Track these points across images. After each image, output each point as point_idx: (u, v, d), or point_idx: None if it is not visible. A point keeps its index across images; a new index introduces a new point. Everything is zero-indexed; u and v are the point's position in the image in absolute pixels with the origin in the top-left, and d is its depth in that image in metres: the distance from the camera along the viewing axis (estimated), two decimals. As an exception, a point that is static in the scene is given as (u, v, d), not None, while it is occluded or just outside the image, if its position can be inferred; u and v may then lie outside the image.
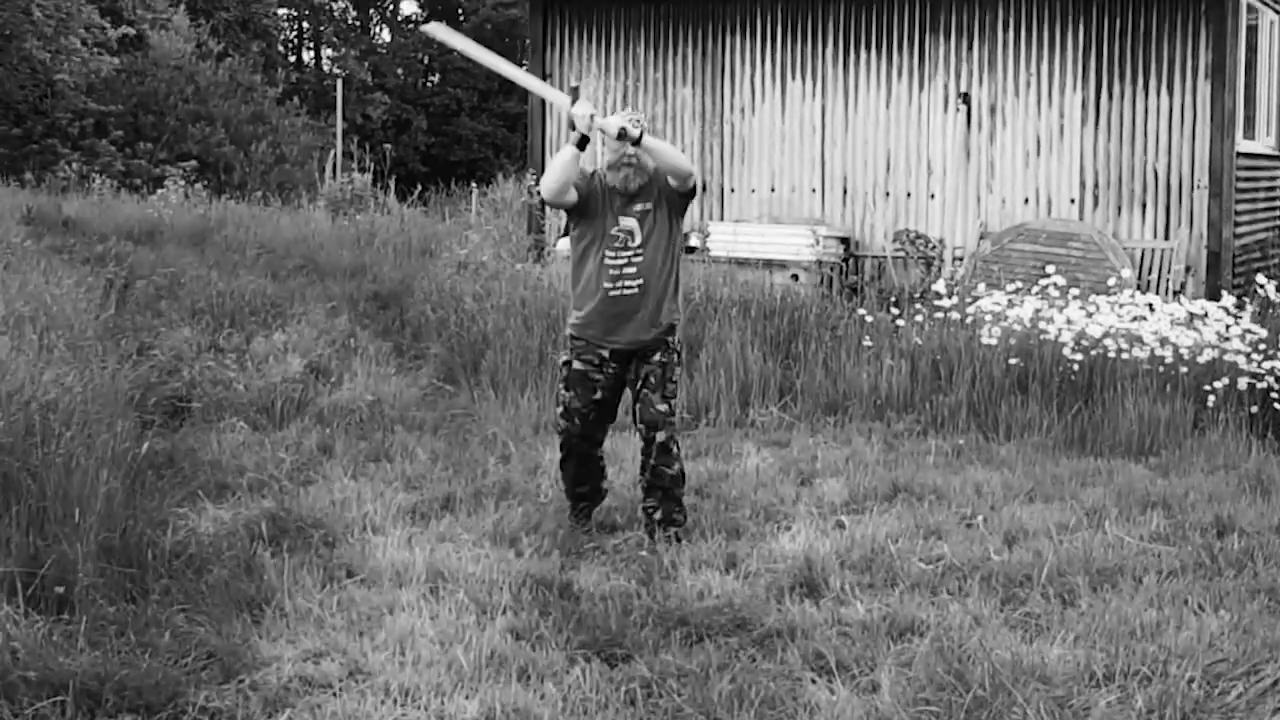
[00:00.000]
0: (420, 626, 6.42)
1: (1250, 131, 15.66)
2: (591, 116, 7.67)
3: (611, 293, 7.81)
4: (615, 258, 7.80)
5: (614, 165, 7.81)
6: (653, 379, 7.89)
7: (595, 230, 7.85)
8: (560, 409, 8.04)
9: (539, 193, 7.99)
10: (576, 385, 7.94)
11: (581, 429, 7.97)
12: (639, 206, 7.82)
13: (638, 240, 7.80)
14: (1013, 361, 11.04)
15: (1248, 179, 15.40)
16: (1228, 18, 14.19)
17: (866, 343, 11.73)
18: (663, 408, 7.89)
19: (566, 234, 15.36)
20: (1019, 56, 14.98)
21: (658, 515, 7.94)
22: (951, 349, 11.36)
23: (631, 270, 7.80)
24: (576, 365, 7.94)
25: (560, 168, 7.72)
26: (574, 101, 7.85)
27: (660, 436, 7.89)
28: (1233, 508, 8.45)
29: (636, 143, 7.67)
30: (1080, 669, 5.98)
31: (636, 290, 7.81)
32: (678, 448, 8.04)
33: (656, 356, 7.89)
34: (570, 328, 8.04)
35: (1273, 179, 16.79)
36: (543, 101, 16.84)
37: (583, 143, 7.70)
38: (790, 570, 7.28)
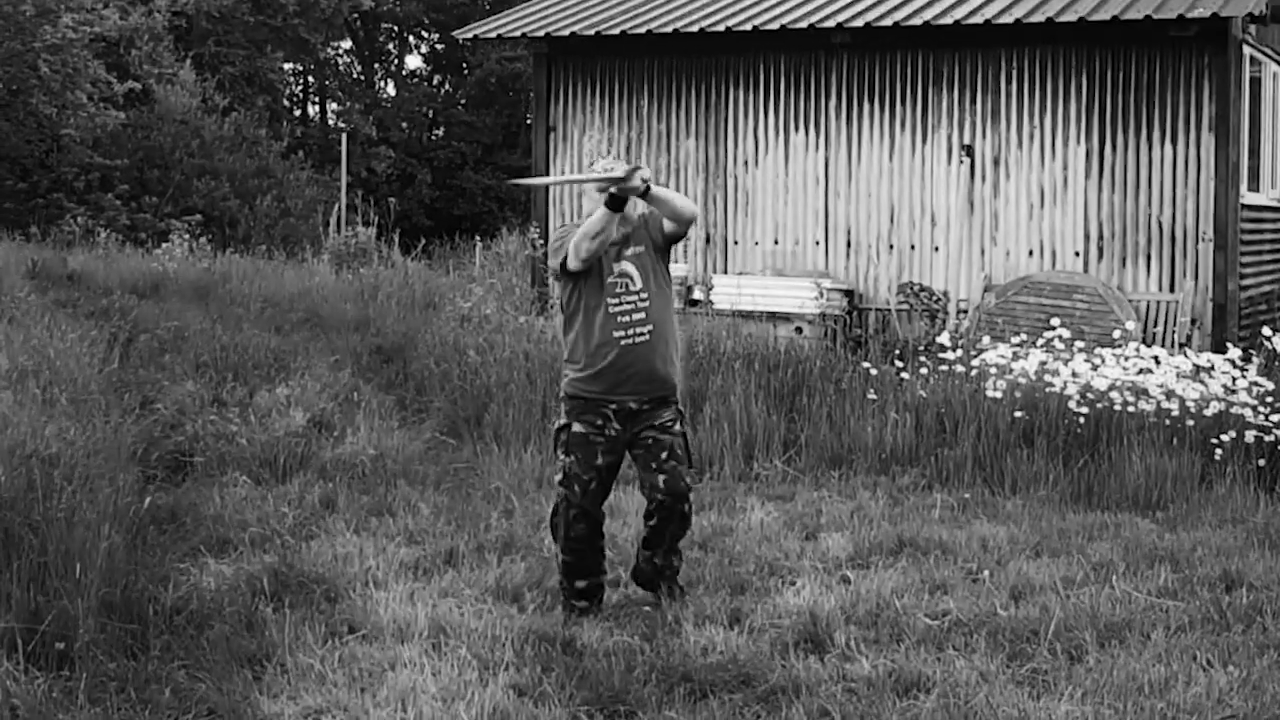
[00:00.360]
0: (422, 683, 6.38)
1: (1255, 184, 15.67)
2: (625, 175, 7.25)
3: (624, 342, 7.42)
4: (619, 304, 7.44)
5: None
6: (678, 449, 7.54)
7: (591, 282, 7.47)
8: (559, 476, 7.59)
9: (564, 259, 7.44)
10: (577, 449, 7.50)
11: (582, 498, 7.51)
12: (631, 250, 7.49)
13: (638, 284, 7.47)
14: (1018, 415, 11.01)
15: (1253, 231, 15.41)
16: (1231, 70, 14.23)
17: (871, 396, 11.70)
18: (689, 479, 7.64)
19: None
20: (1022, 108, 15.02)
21: (658, 560, 7.70)
22: (956, 402, 11.33)
23: (641, 316, 7.44)
24: (577, 428, 7.51)
25: (603, 235, 7.31)
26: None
27: (684, 508, 7.60)
28: (1241, 562, 8.40)
29: (645, 195, 7.32)
30: (1088, 726, 5.93)
31: (649, 336, 7.45)
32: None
33: (676, 426, 7.58)
34: (568, 387, 7.60)
35: (1278, 231, 16.79)
36: (546, 155, 16.90)
37: (619, 203, 7.26)
38: (795, 626, 7.23)
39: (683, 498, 7.56)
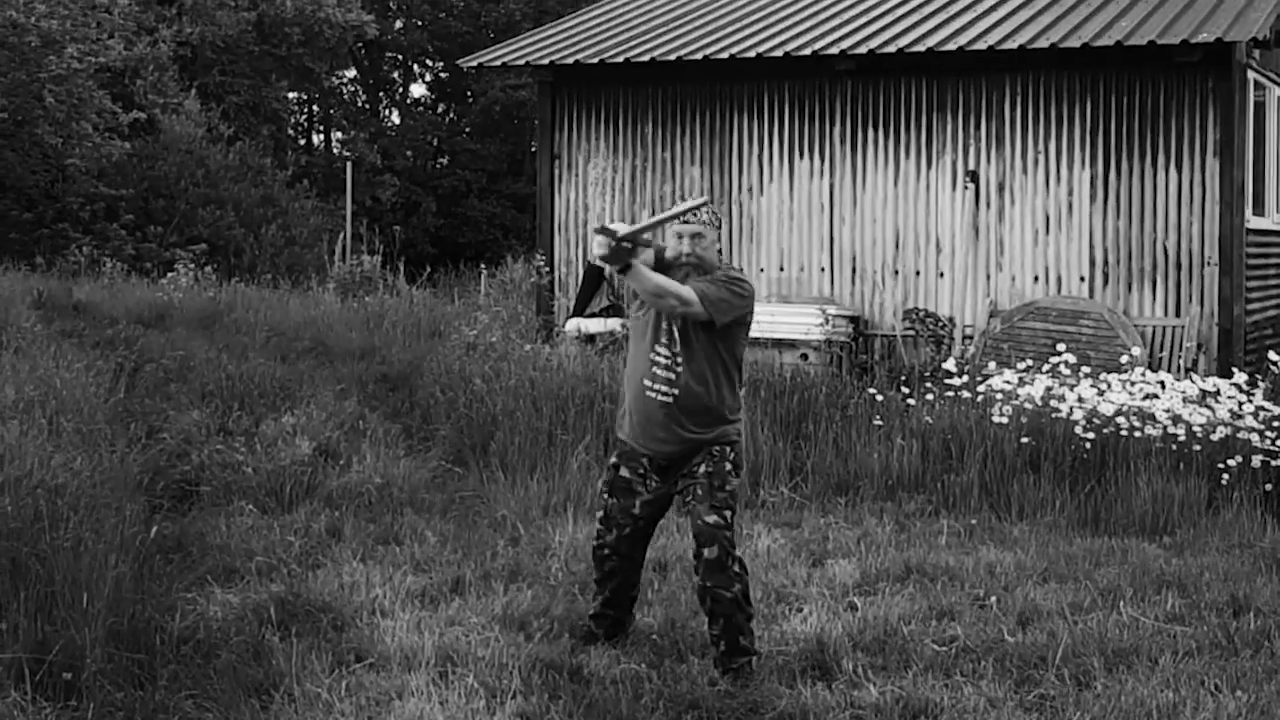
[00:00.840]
0: (429, 712, 6.37)
1: (1259, 208, 15.67)
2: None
3: (649, 393, 7.13)
4: (657, 356, 7.12)
5: (674, 263, 7.16)
6: (699, 489, 7.04)
7: (650, 322, 7.15)
8: (600, 514, 7.44)
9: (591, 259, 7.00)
10: (619, 493, 7.31)
11: (616, 540, 7.34)
12: None
13: (677, 347, 7.09)
14: (1024, 440, 11.01)
15: (1258, 255, 15.41)
16: (1235, 94, 14.25)
17: (877, 422, 11.70)
18: (711, 519, 6.98)
19: (576, 314, 15.36)
20: (1027, 134, 15.03)
21: (722, 646, 7.03)
22: (962, 428, 11.32)
23: (670, 377, 7.08)
24: (623, 472, 7.30)
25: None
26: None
27: (710, 553, 6.97)
28: (1248, 587, 8.40)
29: (623, 271, 6.89)
30: (1097, 752, 5.92)
31: (671, 401, 7.07)
32: (738, 565, 7.10)
33: (701, 468, 7.11)
34: (617, 428, 7.44)
35: (1282, 255, 16.79)
36: (551, 183, 16.94)
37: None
38: (802, 652, 7.22)
39: (700, 538, 7.04)
